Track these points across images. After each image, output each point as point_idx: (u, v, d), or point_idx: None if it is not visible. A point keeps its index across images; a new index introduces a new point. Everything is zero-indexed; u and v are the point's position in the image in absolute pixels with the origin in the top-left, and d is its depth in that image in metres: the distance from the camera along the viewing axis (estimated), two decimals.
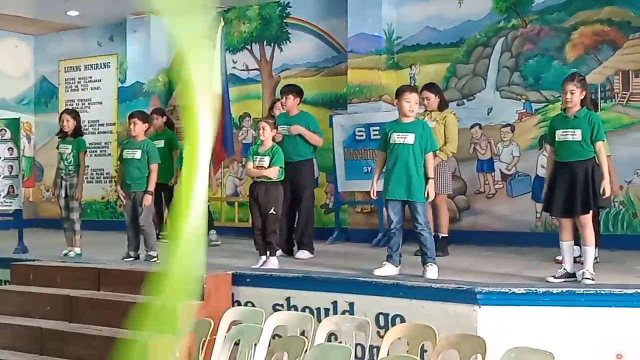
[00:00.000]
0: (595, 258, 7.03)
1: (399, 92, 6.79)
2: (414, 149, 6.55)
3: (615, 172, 7.26)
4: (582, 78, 6.35)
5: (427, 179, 6.55)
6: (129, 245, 8.08)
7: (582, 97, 6.16)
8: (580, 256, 6.45)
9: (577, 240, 6.34)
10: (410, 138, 6.56)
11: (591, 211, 6.16)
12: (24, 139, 12.12)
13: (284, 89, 8.62)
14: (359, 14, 10.27)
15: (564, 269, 6.14)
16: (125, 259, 7.98)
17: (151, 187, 7.98)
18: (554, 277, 6.10)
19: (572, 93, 6.14)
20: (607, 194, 6.08)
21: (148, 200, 7.95)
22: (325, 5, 11.01)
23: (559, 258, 7.00)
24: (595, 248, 6.92)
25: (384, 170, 6.77)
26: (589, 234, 6.11)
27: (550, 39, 9.26)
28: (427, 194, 6.53)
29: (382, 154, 6.82)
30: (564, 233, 6.21)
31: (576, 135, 6.12)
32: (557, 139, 6.24)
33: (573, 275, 6.07)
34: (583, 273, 6.01)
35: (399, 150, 6.59)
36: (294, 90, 8.50)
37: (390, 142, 6.66)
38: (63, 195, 8.50)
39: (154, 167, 8.01)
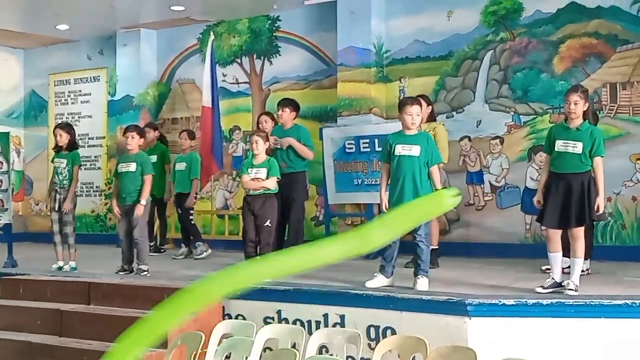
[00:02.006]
0: (587, 270, 7.07)
1: (400, 106, 6.80)
2: (420, 161, 6.54)
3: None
4: (585, 90, 6.36)
5: (435, 190, 6.53)
6: (123, 259, 8.07)
7: (585, 109, 6.17)
8: (569, 267, 6.47)
9: (566, 251, 6.36)
10: (415, 150, 6.55)
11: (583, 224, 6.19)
12: (13, 152, 12.09)
13: (281, 102, 8.67)
14: (349, 28, 10.31)
15: (552, 279, 6.16)
16: (119, 272, 7.97)
17: (143, 198, 7.97)
18: (543, 287, 6.12)
19: (575, 104, 6.12)
20: (601, 210, 6.12)
21: (140, 210, 7.93)
22: (314, 19, 11.06)
23: (545, 267, 7.03)
24: (587, 260, 6.97)
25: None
26: (580, 247, 6.11)
27: (539, 52, 9.32)
28: None
29: (387, 166, 6.77)
30: (553, 244, 6.22)
31: (577, 147, 6.10)
32: (556, 149, 6.21)
33: (561, 285, 6.08)
34: (568, 284, 6.02)
35: (404, 162, 6.57)
36: (291, 104, 8.58)
37: (395, 154, 6.62)
38: (56, 208, 8.49)
39: (148, 178, 8.03)
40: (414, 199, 6.43)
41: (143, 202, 7.96)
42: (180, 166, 9.87)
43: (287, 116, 8.45)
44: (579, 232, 6.12)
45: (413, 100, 6.85)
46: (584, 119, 6.20)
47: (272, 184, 7.47)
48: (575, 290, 5.95)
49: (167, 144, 10.90)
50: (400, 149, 6.62)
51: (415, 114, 6.63)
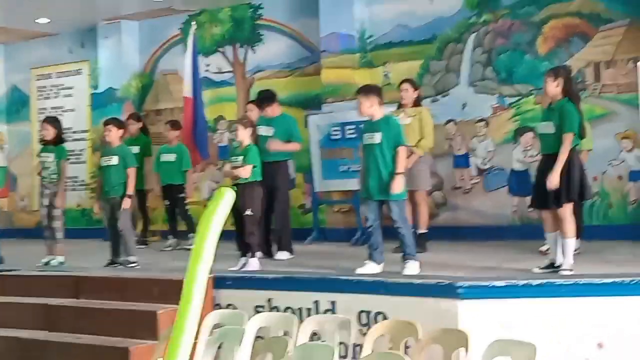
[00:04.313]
0: (577, 249, 7.06)
1: None
2: (382, 147, 6.53)
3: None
4: (555, 68, 6.41)
5: (394, 174, 6.49)
6: (111, 252, 8.02)
7: (562, 88, 6.14)
8: (548, 248, 6.51)
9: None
10: (377, 137, 6.56)
11: (570, 204, 6.15)
12: None
13: (258, 100, 8.57)
14: (331, 14, 10.27)
15: (550, 259, 6.19)
16: (108, 266, 7.92)
17: (130, 191, 7.97)
18: (539, 267, 6.17)
19: (545, 83, 6.22)
20: (551, 185, 6.01)
21: (127, 203, 7.93)
22: (297, 6, 11.00)
23: (543, 249, 7.05)
24: (577, 239, 6.97)
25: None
26: (568, 226, 6.10)
27: (522, 33, 9.32)
28: (392, 189, 6.46)
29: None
30: (547, 224, 6.26)
31: (549, 127, 6.15)
32: (539, 132, 6.33)
33: (559, 266, 6.10)
34: (562, 264, 6.06)
35: (369, 150, 6.62)
36: (267, 96, 8.50)
37: (363, 142, 6.71)
38: (45, 203, 8.44)
39: (131, 171, 7.99)
40: (379, 186, 6.45)
41: (129, 194, 7.95)
42: (169, 157, 9.79)
43: (271, 110, 8.37)
44: (563, 212, 6.11)
45: (358, 90, 6.85)
46: (564, 97, 6.18)
47: (244, 173, 7.37)
48: (570, 270, 5.97)
49: (149, 135, 10.81)
50: (365, 137, 6.68)
51: (360, 103, 6.63)
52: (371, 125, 6.67)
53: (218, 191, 2.01)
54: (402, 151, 6.55)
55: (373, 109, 6.64)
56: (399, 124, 6.74)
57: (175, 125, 10.02)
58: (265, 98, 8.48)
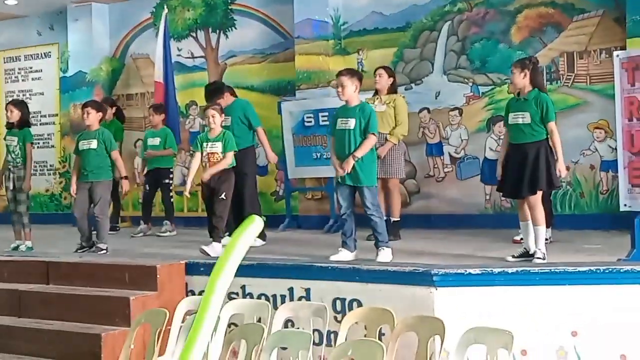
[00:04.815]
0: (549, 238, 7.12)
1: None
2: (355, 133, 6.51)
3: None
4: (522, 59, 6.44)
5: (351, 154, 6.46)
6: (81, 237, 7.91)
7: (530, 78, 6.22)
8: (522, 239, 6.56)
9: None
10: (351, 123, 6.54)
11: (540, 192, 6.23)
12: None
13: (207, 95, 8.47)
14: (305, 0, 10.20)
15: (524, 248, 6.23)
16: (78, 251, 7.82)
17: (124, 173, 7.97)
18: (513, 256, 6.23)
19: (512, 73, 6.30)
20: (563, 175, 6.21)
21: (127, 185, 8.00)
22: None
23: (517, 238, 7.09)
24: (548, 228, 7.03)
25: None
26: (538, 214, 6.18)
27: (496, 22, 9.33)
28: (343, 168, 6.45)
29: (333, 139, 6.81)
30: (521, 213, 6.30)
31: (525, 118, 6.20)
32: (509, 122, 6.34)
33: (533, 254, 6.14)
34: (535, 252, 6.12)
35: (342, 135, 6.58)
36: (215, 88, 8.45)
37: (336, 128, 6.66)
38: (11, 187, 8.35)
39: (115, 154, 7.93)
40: (352, 172, 6.42)
41: (126, 175, 8.00)
42: (154, 141, 9.71)
43: (224, 101, 8.30)
44: (535, 200, 6.18)
45: (344, 71, 6.81)
46: (534, 88, 6.24)
47: (228, 161, 7.42)
48: (543, 259, 6.03)
49: (124, 120, 10.70)
50: (339, 123, 6.63)
51: (338, 86, 6.59)
52: (347, 111, 6.64)
53: (249, 217, 2.11)
54: (371, 138, 6.53)
55: (356, 93, 6.62)
56: (374, 112, 6.72)
57: (158, 109, 9.94)
58: (214, 91, 8.41)
